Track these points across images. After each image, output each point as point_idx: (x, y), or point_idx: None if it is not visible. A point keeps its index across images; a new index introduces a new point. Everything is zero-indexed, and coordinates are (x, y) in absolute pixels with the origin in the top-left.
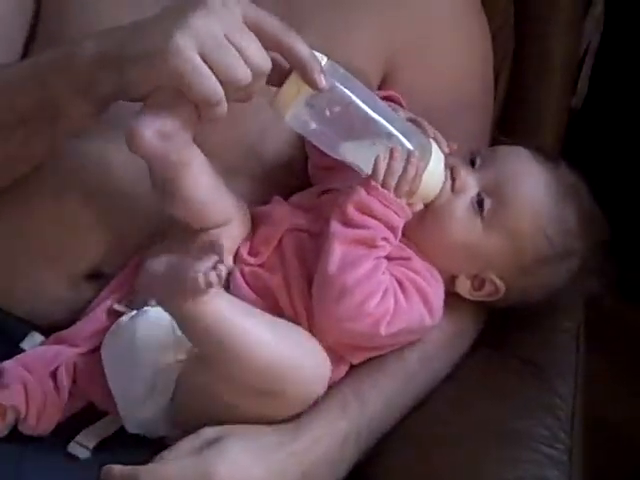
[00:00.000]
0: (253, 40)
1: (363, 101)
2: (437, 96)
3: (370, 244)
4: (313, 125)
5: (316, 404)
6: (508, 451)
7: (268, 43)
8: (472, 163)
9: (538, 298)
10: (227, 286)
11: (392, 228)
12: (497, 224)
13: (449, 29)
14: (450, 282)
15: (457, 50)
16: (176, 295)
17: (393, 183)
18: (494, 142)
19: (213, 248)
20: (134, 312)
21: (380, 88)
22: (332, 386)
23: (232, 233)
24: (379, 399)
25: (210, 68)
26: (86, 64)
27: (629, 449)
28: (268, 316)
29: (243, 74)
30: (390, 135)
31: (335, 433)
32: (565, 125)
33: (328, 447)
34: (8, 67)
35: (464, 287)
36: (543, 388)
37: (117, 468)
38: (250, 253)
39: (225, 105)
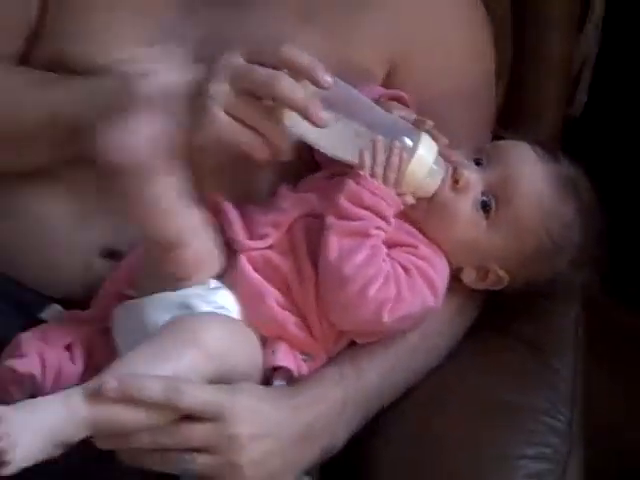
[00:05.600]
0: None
1: (348, 99)
2: (444, 88)
3: (364, 234)
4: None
5: (314, 373)
6: (511, 421)
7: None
8: (478, 162)
9: (539, 285)
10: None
11: (383, 217)
12: (500, 223)
13: (454, 25)
14: (456, 272)
15: (463, 45)
16: None
17: (380, 172)
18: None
19: None
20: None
21: (385, 81)
22: (331, 357)
23: (182, 257)
24: (376, 370)
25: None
26: None
27: (628, 453)
28: None
29: None
30: (373, 127)
31: (332, 398)
32: (561, 132)
33: (325, 410)
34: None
35: (470, 277)
36: (544, 367)
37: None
38: (253, 237)
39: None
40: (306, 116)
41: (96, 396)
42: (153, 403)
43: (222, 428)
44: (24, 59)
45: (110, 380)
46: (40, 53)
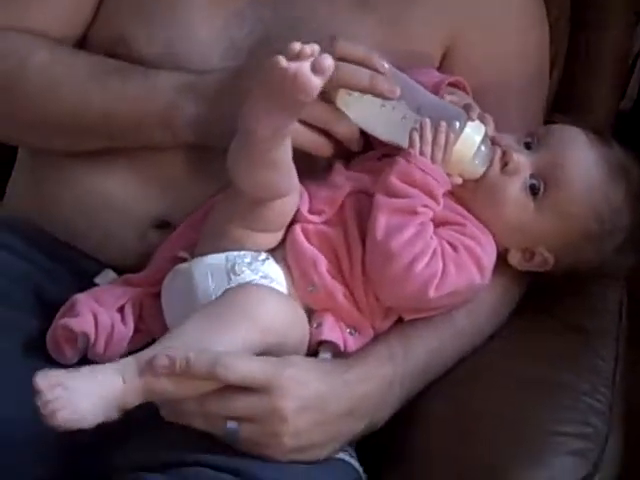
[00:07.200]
0: None
1: (401, 84)
2: (498, 74)
3: (411, 211)
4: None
5: (364, 349)
6: (553, 398)
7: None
8: (528, 145)
9: (585, 268)
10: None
11: (432, 195)
12: (549, 206)
13: (513, 11)
14: (502, 253)
15: (519, 31)
16: None
17: (428, 150)
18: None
19: None
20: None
21: (441, 64)
22: (380, 335)
23: (291, 204)
24: (423, 349)
25: None
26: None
27: None
28: None
29: None
30: (424, 110)
31: (381, 376)
32: (613, 125)
33: (374, 387)
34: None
35: (515, 259)
36: (586, 350)
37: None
38: (312, 211)
39: None
40: (376, 91)
41: (148, 368)
42: (200, 377)
43: (267, 400)
44: (84, 41)
45: (160, 356)
46: (99, 36)
